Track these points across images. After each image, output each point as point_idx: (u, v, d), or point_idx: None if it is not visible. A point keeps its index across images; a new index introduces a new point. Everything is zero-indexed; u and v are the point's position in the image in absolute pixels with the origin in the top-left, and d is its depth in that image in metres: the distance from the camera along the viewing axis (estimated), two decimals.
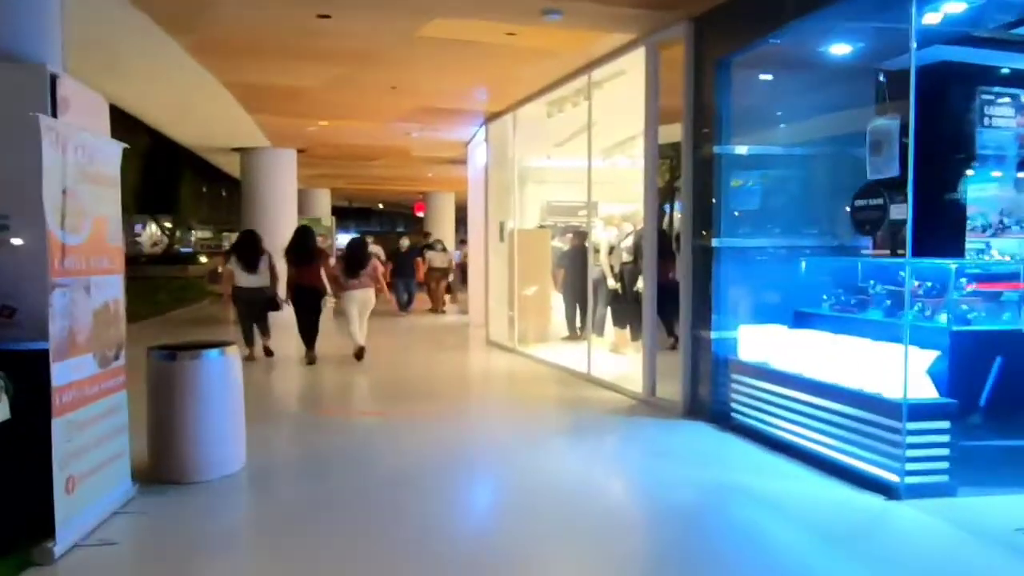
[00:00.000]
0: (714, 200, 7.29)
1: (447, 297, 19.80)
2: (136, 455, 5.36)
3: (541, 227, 14.48)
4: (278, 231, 16.40)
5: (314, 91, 11.10)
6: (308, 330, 11.20)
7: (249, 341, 11.29)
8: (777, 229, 7.54)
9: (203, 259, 32.67)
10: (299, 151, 17.17)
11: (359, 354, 11.07)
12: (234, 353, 5.85)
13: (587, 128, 9.94)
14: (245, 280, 11.02)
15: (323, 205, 28.67)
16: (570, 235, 12.97)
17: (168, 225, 39.20)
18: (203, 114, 13.45)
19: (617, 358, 10.86)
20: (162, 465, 5.57)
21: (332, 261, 12.31)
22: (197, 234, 48.15)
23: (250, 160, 16.90)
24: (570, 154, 15.67)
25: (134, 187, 29.43)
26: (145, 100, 12.39)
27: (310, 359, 11.08)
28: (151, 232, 44.09)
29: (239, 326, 11.57)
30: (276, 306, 11.33)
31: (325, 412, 8.29)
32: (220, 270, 24.62)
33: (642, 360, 8.59)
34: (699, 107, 7.53)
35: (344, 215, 36.85)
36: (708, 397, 7.45)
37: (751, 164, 7.52)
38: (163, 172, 31.21)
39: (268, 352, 11.48)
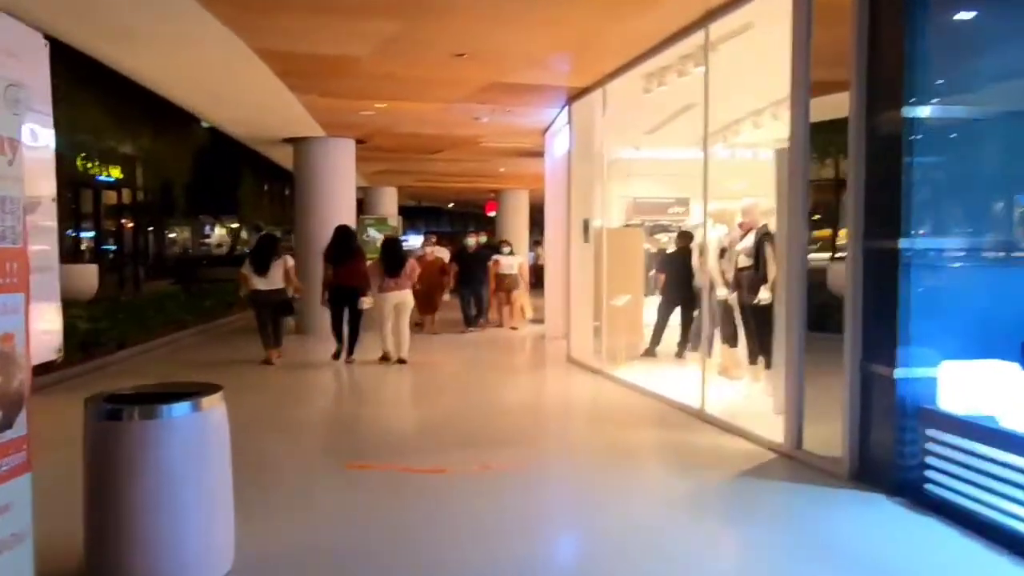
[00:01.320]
0: (900, 185, 5.18)
1: (520, 311, 16.17)
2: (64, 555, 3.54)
3: (627, 227, 12.47)
4: (327, 226, 14.79)
5: (364, 62, 9.25)
6: (343, 329, 11.31)
7: (267, 345, 11.39)
8: (992, 227, 5.40)
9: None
10: (358, 142, 15.42)
11: (384, 358, 11.35)
12: (216, 405, 3.98)
13: (704, 99, 7.87)
14: (259, 283, 11.08)
15: (389, 204, 27.07)
16: (662, 236, 11.12)
17: (234, 225, 38.12)
18: (250, 101, 11.80)
19: (732, 386, 8.80)
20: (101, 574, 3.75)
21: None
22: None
23: (303, 151, 15.21)
24: (663, 143, 13.82)
25: (196, 188, 28.30)
26: (185, 84, 10.82)
27: (345, 359, 11.31)
28: (219, 233, 43.23)
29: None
30: (290, 310, 11.75)
31: (360, 466, 6.28)
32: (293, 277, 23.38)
33: (773, 392, 6.53)
34: (877, 54, 5.42)
35: (412, 215, 35.26)
36: (887, 457, 5.33)
37: (955, 135, 5.39)
38: (223, 171, 30.05)
39: (268, 360, 11.34)
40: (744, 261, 8.72)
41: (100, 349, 11.24)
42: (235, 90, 11.09)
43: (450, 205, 38.85)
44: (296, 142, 15.17)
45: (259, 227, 43.97)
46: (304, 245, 15.16)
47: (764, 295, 8.29)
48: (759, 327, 8.48)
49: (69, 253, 20.81)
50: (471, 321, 15.13)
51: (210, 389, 4.05)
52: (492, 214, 31.55)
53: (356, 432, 7.66)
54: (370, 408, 8.89)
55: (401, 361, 11.25)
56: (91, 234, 23.87)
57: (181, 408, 3.78)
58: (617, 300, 10.59)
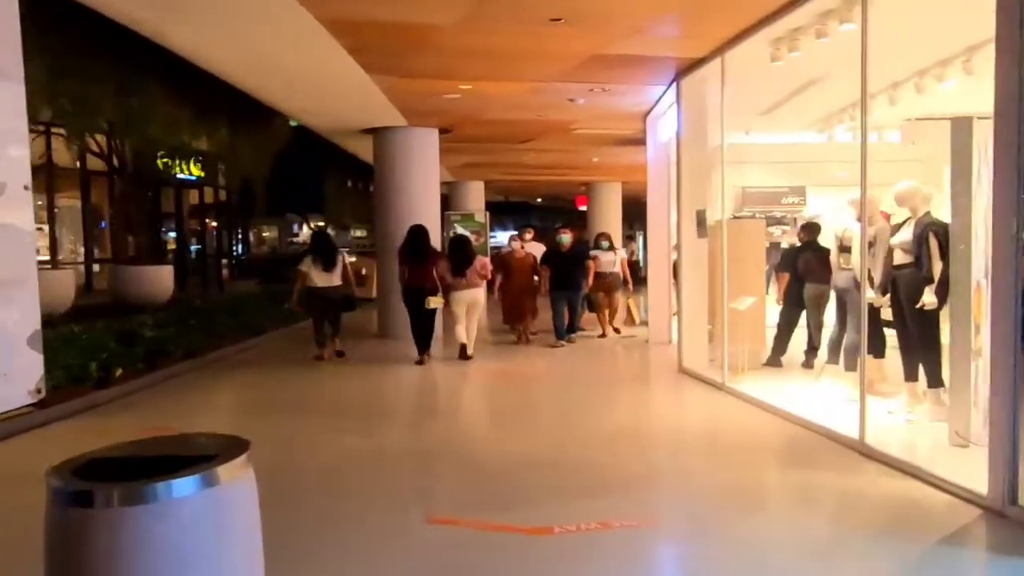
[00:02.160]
0: None
1: (628, 314, 14.78)
2: None
3: (735, 219, 11.03)
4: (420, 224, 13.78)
5: (447, 33, 8.06)
6: (420, 331, 11.12)
7: (321, 342, 11.50)
8: None
9: (352, 258, 30.49)
10: (442, 131, 14.30)
11: (463, 354, 11.24)
12: (238, 475, 2.79)
13: (862, 59, 6.39)
14: (321, 280, 11.10)
15: (476, 199, 25.98)
16: (774, 229, 9.76)
17: (320, 223, 37.61)
18: (324, 87, 10.79)
19: (881, 404, 7.32)
20: None
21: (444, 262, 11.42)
22: (354, 232, 46.77)
23: (384, 142, 14.16)
24: (775, 126, 12.34)
25: (281, 185, 27.67)
26: (255, 69, 9.84)
27: (420, 360, 11.07)
28: (307, 232, 42.86)
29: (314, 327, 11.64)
30: (351, 306, 11.73)
31: (445, 521, 5.00)
32: (364, 272, 22.57)
33: (949, 418, 5.07)
34: None
35: (499, 211, 34.19)
36: None
37: None
38: (307, 168, 29.40)
39: (340, 353, 11.55)
40: (901, 257, 7.23)
41: (166, 359, 10.34)
42: (307, 75, 10.06)
43: (538, 200, 37.61)
44: (376, 133, 14.15)
45: (346, 225, 43.53)
46: (385, 243, 14.14)
47: (929, 298, 6.81)
48: (923, 337, 7.00)
49: (151, 254, 20.29)
50: (562, 333, 12.73)
51: (232, 449, 2.87)
52: (583, 208, 30.21)
53: (437, 469, 6.44)
54: (452, 434, 7.70)
55: (466, 356, 11.29)
56: (173, 234, 23.37)
57: (184, 485, 2.60)
58: (740, 303, 9.18)
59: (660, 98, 11.66)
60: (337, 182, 31.48)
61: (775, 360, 10.01)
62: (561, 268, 12.77)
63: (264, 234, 41.47)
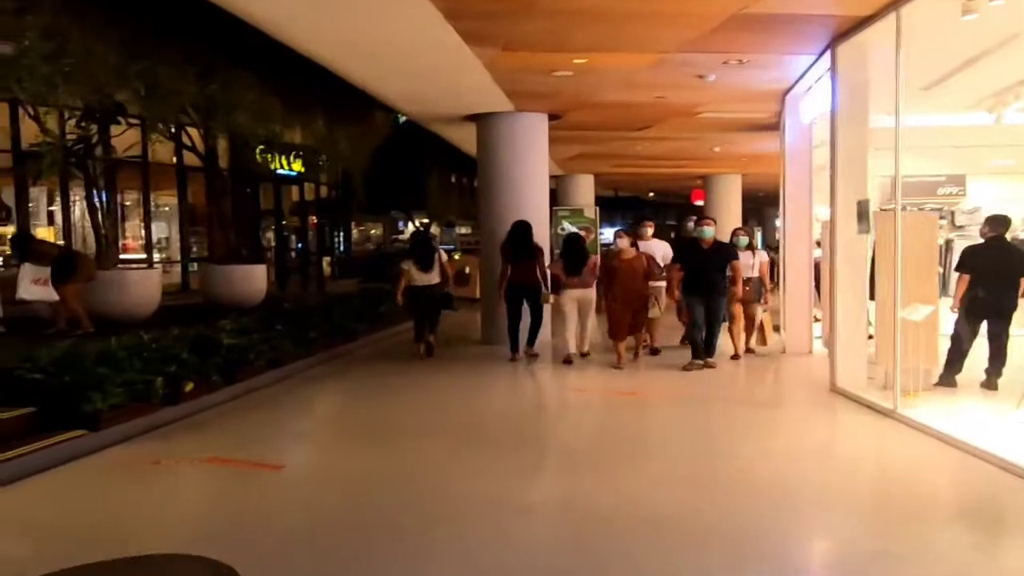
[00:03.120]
0: None
1: (760, 331, 11.48)
2: None
3: (882, 211, 9.32)
4: (527, 220, 12.52)
5: None
6: (517, 328, 11.09)
7: (418, 336, 11.61)
8: None
9: (456, 256, 29.58)
10: (551, 117, 12.98)
11: (568, 361, 10.79)
12: None
13: None
14: (419, 279, 11.30)
15: (585, 194, 24.58)
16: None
17: (425, 220, 36.84)
18: (421, 65, 9.65)
19: None
20: None
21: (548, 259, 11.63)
22: (459, 229, 45.95)
23: (488, 130, 12.92)
24: (936, 105, 10.60)
25: (383, 181, 26.88)
26: (340, 44, 8.70)
27: (518, 357, 11.09)
28: (411, 229, 42.19)
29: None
30: (448, 303, 12.02)
31: None
32: (468, 271, 21.45)
33: None
34: None
35: (608, 206, 32.67)
36: None
37: None
38: (410, 163, 28.56)
39: (429, 351, 11.50)
40: None
41: (246, 370, 9.31)
42: (401, 49, 8.88)
43: (650, 194, 35.87)
44: (480, 120, 12.93)
45: (451, 223, 42.70)
46: (490, 241, 12.90)
47: None
48: None
49: (246, 252, 19.60)
50: (700, 352, 10.19)
51: None
52: (699, 203, 28.45)
53: (543, 532, 5.09)
54: (560, 475, 6.34)
55: (584, 354, 11.06)
56: (271, 232, 22.70)
57: None
58: (913, 311, 7.55)
59: (805, 72, 10.07)
60: (441, 177, 30.57)
61: (949, 379, 8.36)
62: (698, 268, 10.18)
63: (371, 231, 40.95)
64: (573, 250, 10.95)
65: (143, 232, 17.80)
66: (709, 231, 10.39)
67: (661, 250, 11.39)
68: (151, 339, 8.64)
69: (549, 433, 7.72)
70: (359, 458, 6.62)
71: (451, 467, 6.26)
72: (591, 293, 10.97)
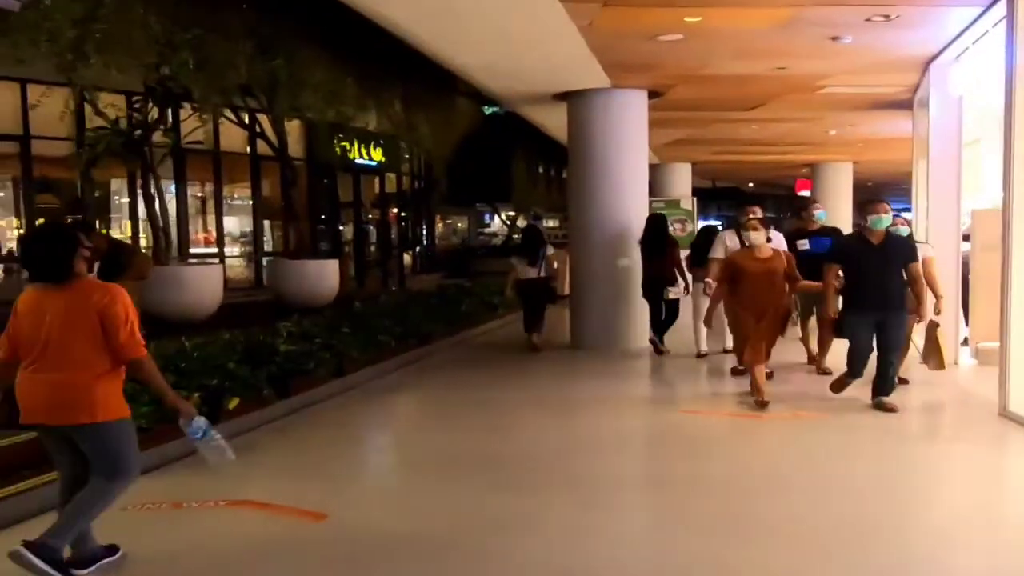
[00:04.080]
0: None
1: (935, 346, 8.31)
2: None
3: None
4: (623, 212, 11.13)
5: None
6: (659, 321, 10.95)
7: (529, 329, 11.54)
8: None
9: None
10: (651, 96, 11.52)
11: (700, 356, 10.35)
12: None
13: None
14: (524, 272, 11.35)
15: (682, 184, 22.92)
16: None
17: (510, 214, 35.64)
18: (505, 29, 8.36)
19: None
20: None
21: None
22: (547, 223, 44.66)
23: (581, 109, 11.52)
24: None
25: (468, 172, 25.78)
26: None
27: (664, 351, 10.81)
28: (497, 222, 41.05)
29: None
30: (553, 296, 12.27)
31: None
32: (556, 266, 20.07)
33: None
34: None
35: (706, 197, 30.95)
36: None
37: None
38: (495, 153, 27.33)
39: (534, 347, 11.33)
40: None
41: (304, 381, 8.14)
42: (484, 7, 7.58)
43: (750, 185, 33.88)
44: (572, 98, 11.54)
45: (537, 215, 41.48)
46: (581, 235, 11.56)
47: None
48: None
49: (320, 247, 18.66)
50: (883, 386, 7.33)
51: None
52: (804, 194, 26.52)
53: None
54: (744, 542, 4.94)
55: (700, 355, 10.35)
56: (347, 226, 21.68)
57: None
58: None
59: (962, 32, 8.41)
60: (528, 168, 29.34)
61: None
62: (867, 272, 7.18)
63: (456, 225, 39.92)
64: (703, 243, 10.43)
65: (215, 225, 16.94)
66: (885, 219, 7.18)
67: (774, 244, 9.26)
68: (194, 345, 7.54)
69: (699, 473, 6.28)
70: (430, 502, 5.33)
71: (559, 518, 4.92)
72: None
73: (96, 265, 9.99)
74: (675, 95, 11.72)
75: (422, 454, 6.71)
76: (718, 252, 9.01)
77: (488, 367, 10.49)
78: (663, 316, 10.87)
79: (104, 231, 12.77)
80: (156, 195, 11.13)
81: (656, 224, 10.91)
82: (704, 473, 5.82)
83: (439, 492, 5.54)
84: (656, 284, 10.67)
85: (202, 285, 11.01)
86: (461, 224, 40.25)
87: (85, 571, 3.99)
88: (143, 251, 11.19)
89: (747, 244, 7.95)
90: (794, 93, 11.75)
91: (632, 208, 11.45)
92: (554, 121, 13.89)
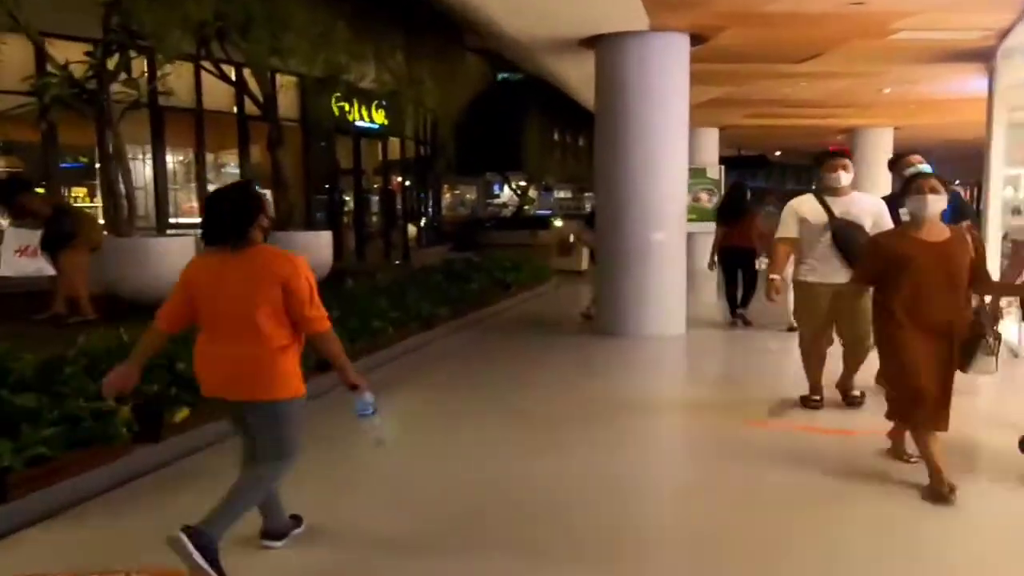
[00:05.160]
0: None
1: None
2: None
3: None
4: (659, 179, 9.55)
5: None
6: (736, 295, 10.68)
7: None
8: None
9: (557, 222, 26.70)
10: (693, 40, 9.88)
11: (792, 328, 8.60)
12: None
13: None
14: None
15: (708, 151, 21.13)
16: None
17: (522, 184, 33.97)
18: None
19: None
20: None
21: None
22: (557, 195, 42.99)
23: (612, 56, 9.90)
24: None
25: (477, 139, 24.13)
26: None
27: (736, 322, 10.59)
28: (507, 193, 39.36)
29: None
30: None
31: None
32: (572, 239, 18.47)
33: None
34: None
35: (729, 165, 29.22)
36: None
37: None
38: (507, 119, 25.67)
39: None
40: None
41: None
42: None
43: (776, 153, 32.08)
44: (601, 44, 9.92)
45: (548, 186, 39.71)
46: (610, 205, 9.99)
47: None
48: None
49: (315, 216, 17.07)
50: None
51: None
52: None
53: None
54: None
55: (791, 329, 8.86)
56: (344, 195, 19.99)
57: None
58: None
59: None
60: (541, 135, 27.66)
61: None
62: None
63: (465, 195, 38.26)
64: (733, 200, 10.92)
65: (198, 193, 15.33)
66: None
67: (871, 210, 6.32)
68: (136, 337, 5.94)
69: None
70: None
71: None
72: None
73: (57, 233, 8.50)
74: (722, 41, 10.09)
75: (413, 491, 5.07)
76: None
77: (501, 357, 8.98)
78: (740, 288, 10.64)
79: (44, 192, 11.13)
80: (115, 155, 9.50)
81: (734, 192, 11.05)
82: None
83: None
84: (733, 255, 10.49)
85: (167, 260, 9.38)
86: (469, 194, 38.59)
87: (279, 543, 3.93)
88: (93, 218, 9.58)
89: (909, 218, 4.95)
90: (862, 39, 10.06)
91: (670, 174, 9.91)
92: (579, 75, 12.23)
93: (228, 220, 3.58)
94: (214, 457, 5.42)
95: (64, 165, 13.93)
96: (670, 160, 9.87)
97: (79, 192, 14.20)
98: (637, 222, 9.81)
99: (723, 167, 19.66)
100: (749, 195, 11.22)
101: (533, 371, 8.28)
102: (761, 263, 10.29)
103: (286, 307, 3.57)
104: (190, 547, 3.34)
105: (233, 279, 3.57)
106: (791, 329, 9.38)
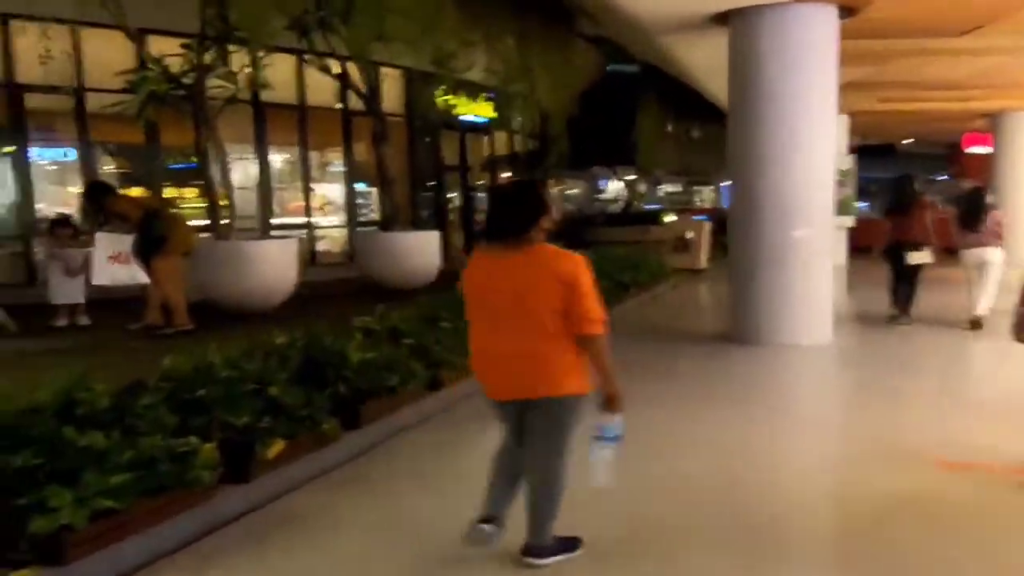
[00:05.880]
0: None
1: None
2: None
3: None
4: (803, 170, 8.44)
5: None
6: (900, 289, 10.10)
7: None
8: None
9: (668, 218, 25.52)
10: (841, 13, 8.77)
11: (974, 324, 9.26)
12: None
13: None
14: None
15: (839, 139, 19.69)
16: None
17: (630, 177, 32.87)
18: None
19: None
20: None
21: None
22: (666, 188, 41.68)
23: (749, 32, 8.85)
24: None
25: (587, 131, 23.14)
26: None
27: (901, 320, 9.91)
28: (614, 187, 38.27)
29: None
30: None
31: None
32: (690, 236, 17.37)
33: None
34: None
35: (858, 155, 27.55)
36: None
37: None
38: (617, 110, 24.62)
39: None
40: None
41: (385, 402, 5.84)
42: None
43: (906, 142, 30.05)
44: (735, 20, 8.92)
45: (657, 180, 38.48)
46: (745, 197, 8.99)
47: None
48: None
49: (420, 215, 16.47)
50: None
51: None
52: (975, 150, 22.96)
53: None
54: None
55: (975, 324, 9.23)
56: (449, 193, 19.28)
57: None
58: None
59: None
60: (654, 126, 26.48)
61: None
62: None
63: (572, 190, 37.34)
64: (971, 202, 9.85)
65: (303, 192, 14.88)
66: None
67: None
68: (228, 359, 5.26)
69: None
70: None
71: None
72: (991, 253, 9.49)
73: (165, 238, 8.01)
74: (873, 13, 8.91)
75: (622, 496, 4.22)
76: None
77: (624, 367, 8.02)
78: (900, 283, 10.13)
79: (142, 195, 10.73)
80: (213, 152, 8.96)
81: (900, 184, 10.39)
82: None
83: None
84: (896, 247, 10.00)
85: (268, 265, 8.79)
86: (576, 189, 37.65)
87: (488, 527, 3.82)
88: (186, 222, 9.04)
89: None
90: None
91: (815, 162, 8.79)
92: (705, 57, 11.20)
93: (511, 217, 3.57)
94: (312, 496, 4.72)
95: (175, 166, 13.66)
96: (816, 146, 8.79)
97: (190, 193, 13.87)
98: (776, 216, 8.77)
99: (854, 156, 18.33)
100: (916, 187, 10.36)
101: (661, 382, 7.31)
102: (912, 257, 9.80)
103: (565, 305, 3.47)
104: (546, 561, 3.66)
105: (514, 276, 3.53)
106: (974, 326, 9.21)
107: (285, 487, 4.74)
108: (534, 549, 3.67)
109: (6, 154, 11.73)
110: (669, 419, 6.16)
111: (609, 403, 3.57)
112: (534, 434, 3.65)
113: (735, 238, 9.35)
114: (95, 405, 4.21)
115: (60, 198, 12.10)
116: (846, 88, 14.89)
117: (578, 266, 3.52)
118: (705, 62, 11.59)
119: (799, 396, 7.32)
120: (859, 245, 16.74)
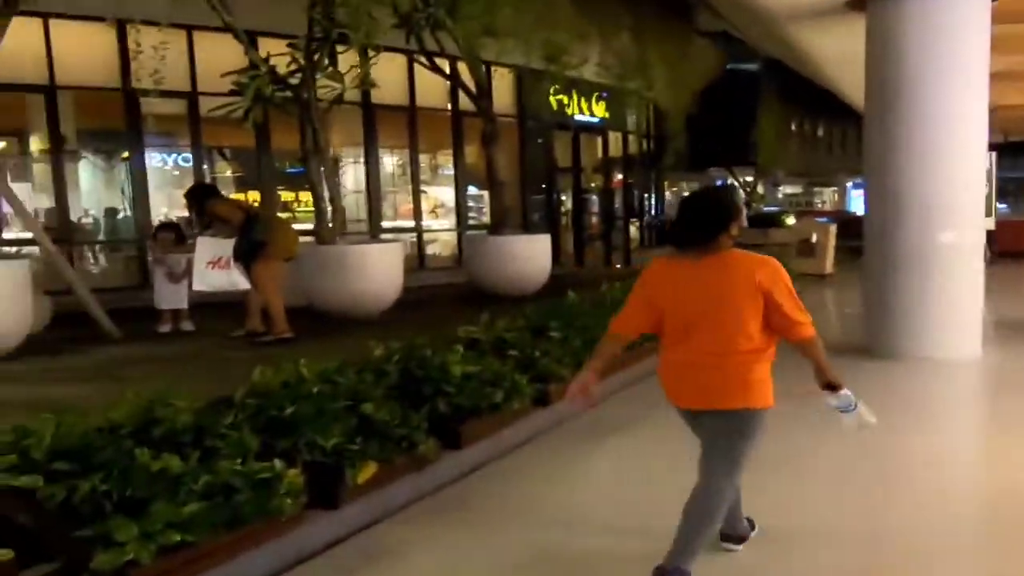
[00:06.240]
0: None
1: None
2: None
3: None
4: (949, 167, 7.64)
5: None
6: None
7: None
8: None
9: (789, 220, 24.51)
10: None
11: None
12: None
13: None
14: None
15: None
16: None
17: (748, 179, 31.79)
18: None
19: None
20: None
21: None
22: (785, 189, 40.32)
23: (887, 19, 8.12)
24: None
25: (704, 133, 22.36)
26: None
27: None
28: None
29: None
30: None
31: None
32: (815, 239, 16.49)
33: None
34: None
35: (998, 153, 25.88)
36: None
37: None
38: (736, 109, 23.72)
39: None
40: None
41: (488, 421, 5.40)
42: None
43: None
44: (873, 5, 8.15)
45: (776, 181, 37.17)
46: (884, 197, 8.25)
47: None
48: None
49: (543, 218, 16.10)
50: None
51: None
52: None
53: None
54: None
55: None
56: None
57: None
58: None
59: None
60: (773, 125, 25.48)
61: None
62: None
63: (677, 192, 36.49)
64: None
65: (412, 194, 14.66)
66: None
67: None
68: (319, 373, 4.92)
69: None
70: None
71: None
72: None
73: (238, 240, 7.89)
74: None
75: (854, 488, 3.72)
76: None
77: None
78: None
79: (244, 198, 10.60)
80: (318, 154, 8.75)
81: None
82: None
83: None
84: None
85: (372, 270, 8.49)
86: (690, 190, 36.75)
87: (739, 547, 3.84)
88: (290, 225, 8.83)
89: None
90: None
91: (963, 160, 7.99)
92: (837, 47, 10.42)
93: (703, 223, 3.44)
94: (406, 526, 4.32)
95: (290, 170, 13.65)
96: (965, 141, 7.99)
97: (304, 197, 13.86)
98: (919, 217, 8.00)
99: (994, 154, 17.05)
100: None
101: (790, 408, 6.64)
102: None
103: (765, 313, 3.39)
104: None
105: (707, 284, 3.43)
106: None
107: (377, 515, 4.35)
108: (673, 572, 3.33)
109: (123, 159, 11.88)
110: (816, 444, 5.51)
111: (835, 386, 3.55)
112: (715, 447, 3.51)
113: (871, 241, 8.59)
114: (174, 423, 3.91)
115: (174, 202, 12.19)
116: (993, 79, 13.80)
117: (777, 270, 3.42)
118: (837, 52, 10.80)
119: (953, 421, 6.55)
120: (1000, 249, 15.60)
